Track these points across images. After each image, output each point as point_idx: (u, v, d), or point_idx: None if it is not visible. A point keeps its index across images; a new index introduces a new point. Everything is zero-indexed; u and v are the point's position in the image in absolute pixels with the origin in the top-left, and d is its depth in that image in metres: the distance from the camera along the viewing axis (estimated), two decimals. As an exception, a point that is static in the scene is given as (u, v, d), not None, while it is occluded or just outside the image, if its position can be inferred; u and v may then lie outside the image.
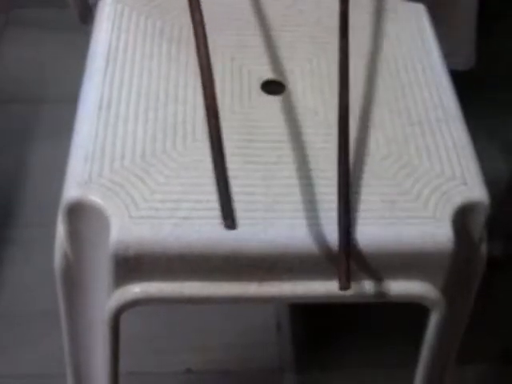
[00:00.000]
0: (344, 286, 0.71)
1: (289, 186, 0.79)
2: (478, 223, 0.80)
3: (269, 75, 0.90)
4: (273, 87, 0.89)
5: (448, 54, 0.95)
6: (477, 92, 1.58)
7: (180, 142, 0.81)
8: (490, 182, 0.83)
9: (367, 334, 1.25)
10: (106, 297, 0.78)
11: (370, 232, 0.76)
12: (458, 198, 0.79)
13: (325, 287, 0.78)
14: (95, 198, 0.76)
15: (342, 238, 0.73)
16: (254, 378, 1.20)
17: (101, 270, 0.78)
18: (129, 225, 0.74)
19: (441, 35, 0.97)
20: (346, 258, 0.72)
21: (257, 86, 0.89)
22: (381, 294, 0.78)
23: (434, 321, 0.81)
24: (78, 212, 0.77)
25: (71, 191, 0.77)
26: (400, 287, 0.78)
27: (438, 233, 0.76)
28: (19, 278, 1.30)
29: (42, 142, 1.50)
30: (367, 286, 0.78)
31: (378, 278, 0.78)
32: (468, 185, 0.80)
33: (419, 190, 0.79)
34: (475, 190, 0.80)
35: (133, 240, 0.74)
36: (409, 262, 0.77)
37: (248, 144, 0.82)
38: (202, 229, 0.74)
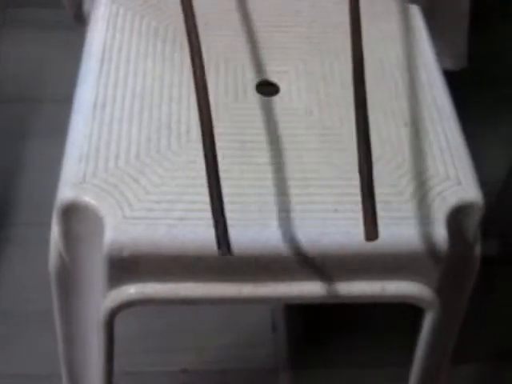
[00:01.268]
0: (371, 236, 0.68)
1: (283, 187, 0.79)
2: (472, 223, 0.80)
3: (263, 76, 0.90)
4: (267, 88, 0.89)
5: (440, 53, 0.95)
6: (474, 92, 1.59)
7: (175, 142, 0.81)
8: (485, 181, 0.83)
9: (363, 333, 1.25)
10: (101, 297, 0.78)
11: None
12: (453, 199, 0.79)
13: (320, 288, 0.78)
14: (89, 198, 0.76)
15: (365, 184, 0.71)
16: (249, 377, 1.20)
17: (95, 271, 0.78)
18: (123, 225, 0.74)
19: (434, 36, 0.97)
20: (372, 205, 0.69)
21: (251, 87, 0.89)
22: (375, 295, 0.78)
23: (428, 321, 0.82)
24: (72, 212, 0.77)
25: (65, 192, 0.77)
26: (394, 288, 0.78)
27: (432, 233, 0.76)
28: (15, 277, 1.29)
29: (38, 142, 1.50)
30: (361, 287, 0.78)
31: (372, 278, 0.78)
32: (462, 185, 0.80)
33: (413, 190, 0.79)
34: (469, 191, 0.80)
35: (127, 241, 0.74)
36: (403, 263, 0.77)
37: (242, 145, 0.82)
38: (196, 229, 0.74)
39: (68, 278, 0.81)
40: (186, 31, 0.83)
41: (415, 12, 1.00)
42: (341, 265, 0.77)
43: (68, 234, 0.79)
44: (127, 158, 0.80)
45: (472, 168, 0.82)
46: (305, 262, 0.76)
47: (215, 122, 0.83)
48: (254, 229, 0.75)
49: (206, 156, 0.73)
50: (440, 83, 0.91)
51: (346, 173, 0.80)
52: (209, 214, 0.75)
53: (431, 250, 0.76)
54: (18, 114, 1.56)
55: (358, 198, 0.78)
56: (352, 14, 0.84)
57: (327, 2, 0.95)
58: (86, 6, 1.12)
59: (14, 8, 1.78)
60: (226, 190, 0.77)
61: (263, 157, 0.81)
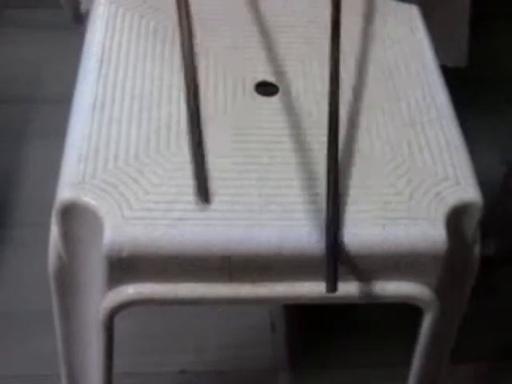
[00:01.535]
0: (331, 289, 0.72)
1: (282, 187, 0.79)
2: (472, 223, 0.80)
3: (262, 76, 0.90)
4: (266, 88, 0.89)
5: (440, 50, 0.95)
6: (473, 92, 1.59)
7: (174, 143, 0.81)
8: (484, 181, 0.83)
9: (363, 334, 1.25)
10: (100, 298, 0.78)
11: (364, 233, 0.76)
12: (452, 199, 0.79)
13: (318, 288, 0.78)
14: (88, 198, 0.76)
15: (330, 240, 0.74)
16: (248, 378, 1.20)
17: (94, 271, 0.78)
18: (122, 225, 0.74)
19: (433, 35, 0.97)
20: (334, 260, 0.73)
21: (250, 87, 0.89)
22: (374, 295, 0.78)
23: (427, 321, 0.81)
24: (71, 213, 0.77)
25: (64, 192, 0.77)
26: (393, 288, 0.78)
27: (431, 233, 0.76)
28: (14, 277, 1.29)
29: (37, 142, 1.50)
30: (360, 287, 0.78)
31: (370, 278, 0.78)
32: (461, 185, 0.80)
33: (412, 190, 0.79)
34: (468, 191, 0.80)
35: (126, 241, 0.74)
36: (402, 263, 0.77)
37: (241, 145, 0.82)
38: (195, 230, 0.74)
39: (67, 278, 0.81)
40: (179, 32, 0.83)
41: (414, 12, 1.00)
42: (340, 265, 0.77)
43: (67, 235, 0.78)
44: (126, 158, 0.79)
45: (471, 168, 0.82)
46: (303, 262, 0.76)
47: (214, 122, 0.84)
48: (254, 229, 0.75)
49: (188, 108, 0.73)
50: (439, 83, 0.91)
51: (346, 173, 0.80)
52: (207, 214, 0.75)
53: (430, 250, 0.76)
54: (16, 114, 1.56)
55: (358, 198, 0.78)
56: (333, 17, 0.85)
57: (325, 2, 0.95)
58: (83, 6, 1.12)
59: (12, 8, 1.78)
60: (225, 190, 0.77)
61: (262, 157, 0.81)
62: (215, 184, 0.78)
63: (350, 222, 0.76)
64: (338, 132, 0.80)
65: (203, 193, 0.69)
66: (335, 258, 0.73)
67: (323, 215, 0.76)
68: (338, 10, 0.86)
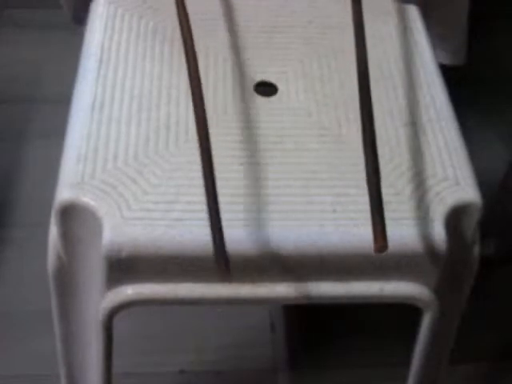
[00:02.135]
0: (381, 247, 0.68)
1: (281, 188, 0.79)
2: (471, 224, 0.80)
3: (262, 77, 0.90)
4: (266, 89, 0.89)
5: (439, 49, 0.95)
6: (473, 92, 1.59)
7: (173, 143, 0.81)
8: (483, 181, 0.83)
9: (362, 334, 1.25)
10: (99, 298, 0.78)
11: (363, 233, 0.76)
12: (451, 199, 0.79)
13: (317, 288, 0.78)
14: (88, 199, 0.76)
15: (374, 195, 0.71)
16: (247, 378, 1.20)
17: (94, 271, 0.78)
18: (121, 226, 0.74)
19: (433, 35, 0.97)
20: (380, 216, 0.70)
21: (250, 87, 0.89)
22: (373, 295, 0.78)
23: (426, 321, 0.82)
24: (70, 213, 0.77)
25: (63, 192, 0.77)
26: (392, 288, 0.78)
27: (430, 234, 0.76)
28: (14, 278, 1.29)
29: (36, 142, 1.50)
30: (360, 287, 0.78)
31: (370, 278, 0.78)
32: (460, 185, 0.80)
33: (412, 190, 0.79)
34: (468, 191, 0.80)
35: (125, 241, 0.74)
36: (401, 263, 0.77)
37: (241, 145, 0.82)
38: (194, 230, 0.74)
39: (66, 279, 0.81)
40: (180, 33, 0.83)
41: (413, 12, 1.00)
42: (339, 265, 0.77)
43: (66, 235, 0.79)
44: (125, 158, 0.79)
45: (470, 168, 0.82)
46: (303, 263, 0.76)
47: (214, 122, 0.84)
48: (253, 229, 0.75)
49: (204, 174, 0.73)
50: (438, 83, 0.91)
51: (345, 173, 0.80)
52: (207, 215, 0.75)
53: (430, 250, 0.76)
54: (16, 114, 1.56)
55: (357, 199, 0.78)
56: (355, 18, 0.84)
57: (325, 2, 0.95)
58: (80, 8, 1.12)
59: (12, 8, 1.78)
60: (224, 190, 0.77)
61: (262, 157, 0.81)
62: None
63: (348, 221, 0.76)
64: (375, 138, 0.76)
65: (225, 271, 0.68)
66: (381, 212, 0.69)
67: (323, 215, 0.77)
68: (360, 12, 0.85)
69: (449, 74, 0.95)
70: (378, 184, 0.72)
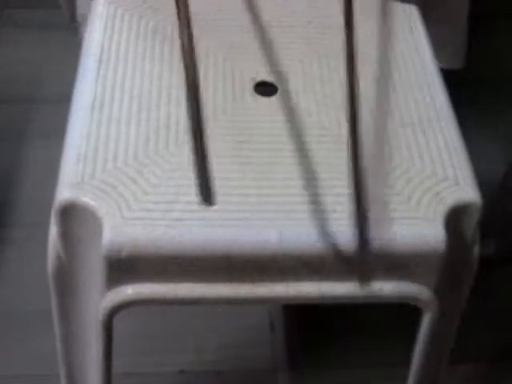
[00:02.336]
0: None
1: (281, 188, 0.79)
2: (471, 224, 0.80)
3: (262, 76, 0.90)
4: (266, 88, 0.89)
5: (439, 53, 0.95)
6: (472, 92, 1.59)
7: (173, 143, 0.81)
8: (483, 181, 0.83)
9: (362, 334, 1.25)
10: (99, 298, 0.78)
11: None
12: (451, 199, 0.79)
13: (317, 288, 0.78)
14: (88, 199, 0.76)
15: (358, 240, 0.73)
16: (247, 378, 1.20)
17: (94, 271, 0.78)
18: (121, 226, 0.74)
19: (432, 35, 0.97)
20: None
21: (249, 87, 0.89)
22: (373, 295, 0.78)
23: (426, 321, 0.81)
24: (70, 213, 0.77)
25: (63, 192, 0.77)
26: (392, 288, 0.78)
27: (430, 234, 0.76)
28: (13, 278, 1.29)
29: (36, 142, 1.50)
30: (359, 287, 0.78)
31: (369, 278, 0.78)
32: (460, 185, 0.80)
33: (411, 190, 0.79)
34: (468, 191, 0.80)
35: (125, 241, 0.74)
36: (401, 263, 0.77)
37: (241, 145, 0.82)
38: (194, 230, 0.74)
39: (66, 279, 0.81)
40: (178, 32, 0.82)
41: (413, 12, 1.00)
42: (338, 265, 0.77)
43: (66, 235, 0.79)
44: (125, 158, 0.79)
45: (470, 168, 0.82)
46: (303, 262, 0.76)
47: (214, 122, 0.84)
48: (253, 229, 0.75)
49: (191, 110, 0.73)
50: (438, 83, 0.91)
51: (345, 173, 0.80)
52: (206, 214, 0.75)
53: (429, 250, 0.76)
54: (16, 114, 1.56)
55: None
56: (346, 16, 0.84)
57: (325, 2, 0.95)
58: (80, 12, 1.12)
59: (12, 8, 1.78)
60: (224, 189, 0.77)
61: (261, 157, 0.81)
62: (214, 184, 0.78)
63: (348, 221, 0.76)
64: (357, 131, 0.77)
65: (206, 194, 0.69)
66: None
67: (323, 215, 0.77)
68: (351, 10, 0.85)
69: (449, 74, 0.95)
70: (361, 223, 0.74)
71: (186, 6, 0.83)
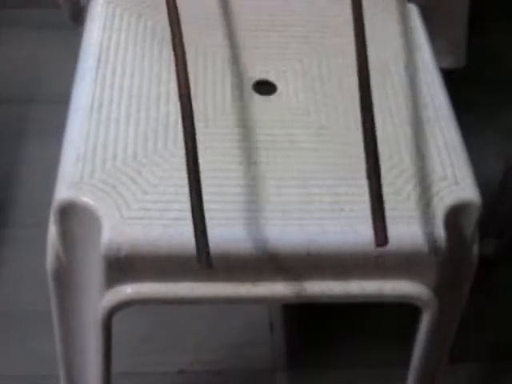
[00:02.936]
0: (381, 242, 0.69)
1: (280, 187, 0.79)
2: (470, 223, 0.80)
3: (260, 75, 0.90)
4: (264, 88, 0.89)
5: (439, 52, 0.95)
6: (472, 92, 1.59)
7: (171, 143, 0.81)
8: (482, 181, 0.83)
9: (362, 334, 1.25)
10: (99, 297, 0.78)
11: (361, 232, 0.76)
12: (450, 198, 0.79)
13: (317, 287, 0.78)
14: (87, 198, 0.76)
15: (373, 192, 0.71)
16: (246, 378, 1.20)
17: (93, 271, 0.78)
18: (120, 225, 0.74)
19: (432, 34, 0.97)
20: (381, 211, 0.70)
21: (248, 86, 0.89)
22: (372, 294, 0.78)
23: (425, 321, 0.81)
24: (69, 213, 0.77)
25: (62, 192, 0.77)
26: (392, 287, 0.78)
27: (429, 233, 0.76)
28: (12, 278, 1.29)
29: (35, 142, 1.50)
30: (359, 286, 0.78)
31: (369, 277, 0.78)
32: (460, 185, 0.80)
33: (411, 190, 0.79)
34: (467, 190, 0.80)
35: (124, 240, 0.74)
36: (400, 262, 0.77)
37: (239, 144, 0.82)
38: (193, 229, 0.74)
39: (65, 278, 0.81)
40: (170, 29, 0.82)
41: (413, 11, 1.00)
42: (338, 264, 0.77)
43: (65, 234, 0.79)
44: (124, 158, 0.79)
45: (470, 167, 0.82)
46: (302, 262, 0.76)
47: (213, 121, 0.84)
48: (252, 228, 0.75)
49: (188, 168, 0.73)
50: (438, 82, 0.91)
51: (344, 172, 0.80)
52: (206, 214, 0.75)
53: (429, 249, 0.76)
54: (14, 114, 1.56)
55: (356, 198, 0.78)
56: (355, 15, 0.84)
57: (324, 1, 0.95)
58: (83, 1, 1.12)
59: (11, 8, 1.78)
60: (223, 189, 0.77)
61: (261, 156, 0.81)
62: (214, 183, 0.78)
63: (347, 220, 0.76)
64: (376, 140, 0.76)
65: (205, 259, 0.69)
66: (382, 208, 0.70)
67: (323, 214, 0.77)
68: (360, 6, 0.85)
69: (449, 74, 0.95)
70: (378, 179, 0.72)
71: (176, 8, 0.83)
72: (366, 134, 0.75)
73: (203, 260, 0.68)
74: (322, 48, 0.93)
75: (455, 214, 0.79)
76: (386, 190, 0.79)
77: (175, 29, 0.82)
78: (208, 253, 0.68)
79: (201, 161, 0.79)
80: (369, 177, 0.72)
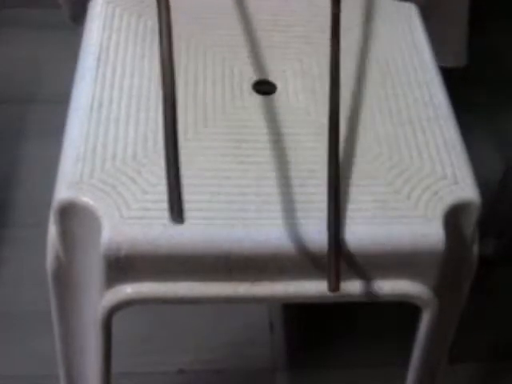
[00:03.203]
0: (333, 288, 0.71)
1: (280, 187, 0.79)
2: (470, 223, 0.80)
3: (260, 75, 0.90)
4: (264, 87, 0.89)
5: (439, 52, 0.95)
6: (472, 91, 1.59)
7: (171, 143, 0.81)
8: (482, 180, 0.83)
9: (362, 333, 1.25)
10: (98, 297, 0.78)
11: (362, 232, 0.76)
12: (450, 198, 0.79)
13: (317, 287, 0.78)
14: (86, 198, 0.76)
15: (332, 239, 0.73)
16: (246, 377, 1.20)
17: (93, 271, 0.78)
18: (120, 225, 0.74)
19: (432, 34, 0.97)
20: (336, 259, 0.72)
21: (248, 86, 0.89)
22: (372, 294, 0.78)
23: (425, 320, 0.81)
24: (69, 213, 0.77)
25: (62, 192, 0.77)
26: (391, 287, 0.78)
27: (429, 232, 0.76)
28: (12, 278, 1.29)
29: (34, 142, 1.50)
30: (358, 286, 0.78)
31: (369, 277, 0.78)
32: (459, 184, 0.80)
33: (410, 189, 0.79)
34: (466, 190, 0.80)
35: (124, 240, 0.74)
36: (400, 262, 0.77)
37: (239, 144, 0.82)
38: (192, 229, 0.74)
39: (65, 278, 0.81)
40: (158, 26, 0.82)
41: (412, 10, 1.00)
42: (338, 264, 0.77)
43: (65, 234, 0.78)
44: (124, 158, 0.79)
45: (469, 167, 0.82)
46: (302, 262, 0.76)
47: (212, 121, 0.84)
48: (252, 228, 0.75)
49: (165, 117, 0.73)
50: (437, 82, 0.91)
51: (343, 172, 0.80)
52: (205, 214, 0.75)
53: (428, 249, 0.76)
54: (14, 114, 1.56)
55: (355, 198, 0.78)
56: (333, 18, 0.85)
57: (324, 1, 0.95)
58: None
59: (9, 8, 1.78)
60: (223, 189, 0.77)
61: (260, 156, 0.81)
62: (214, 183, 0.78)
63: (348, 220, 0.76)
64: (338, 130, 0.79)
65: (177, 212, 0.68)
66: (337, 257, 0.73)
67: (322, 214, 0.76)
68: (338, 4, 0.86)
69: (449, 74, 0.95)
70: (336, 222, 0.75)
71: (168, 9, 0.83)
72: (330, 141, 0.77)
73: (175, 213, 0.67)
74: (322, 48, 0.93)
75: (455, 214, 0.79)
76: (386, 189, 0.79)
77: (163, 21, 0.82)
78: (181, 206, 0.67)
79: (201, 161, 0.79)
80: (328, 220, 0.75)
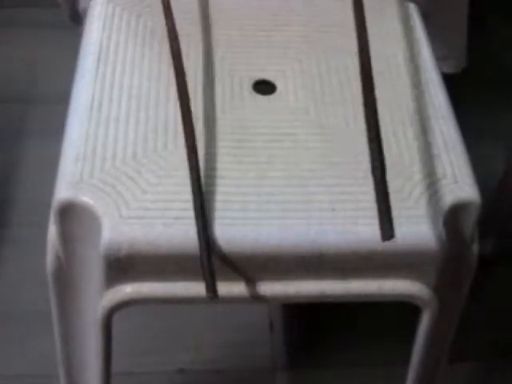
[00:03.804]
0: (387, 236, 0.68)
1: (280, 186, 0.79)
2: (470, 222, 0.80)
3: (260, 75, 0.90)
4: (264, 87, 0.89)
5: (439, 57, 0.95)
6: (472, 91, 1.59)
7: (171, 142, 0.81)
8: (482, 180, 0.83)
9: (362, 333, 1.25)
10: (98, 297, 0.78)
11: (361, 231, 0.76)
12: (449, 198, 0.79)
13: (317, 287, 0.78)
14: (86, 198, 0.76)
15: (379, 184, 0.71)
16: (246, 377, 1.20)
17: (93, 271, 0.78)
18: (120, 225, 0.74)
19: (433, 37, 0.97)
20: (386, 205, 0.69)
21: (248, 85, 0.89)
22: (372, 293, 0.78)
23: (425, 320, 0.81)
24: (69, 212, 0.77)
25: (62, 192, 0.77)
26: (391, 286, 0.78)
27: (429, 232, 0.76)
28: (12, 278, 1.29)
29: (34, 142, 1.50)
30: (358, 285, 0.78)
31: (369, 277, 0.78)
32: (459, 184, 0.80)
33: (410, 189, 0.79)
34: (466, 189, 0.80)
35: (124, 240, 0.74)
36: (400, 261, 0.77)
37: (240, 144, 0.82)
38: (192, 228, 0.74)
39: (65, 278, 0.81)
40: (167, 31, 0.82)
41: (413, 11, 1.00)
42: (338, 264, 0.77)
43: (65, 234, 0.79)
44: (124, 157, 0.79)
45: (469, 167, 0.82)
46: (302, 261, 0.76)
47: (212, 121, 0.84)
48: (252, 228, 0.75)
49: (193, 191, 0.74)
50: (438, 82, 0.91)
51: (343, 171, 0.80)
52: (207, 213, 0.75)
53: (428, 248, 0.76)
54: (14, 114, 1.56)
55: (356, 197, 0.78)
56: (357, 16, 0.84)
57: (324, 1, 0.95)
58: (81, 6, 1.12)
59: (8, 8, 1.78)
60: (223, 188, 0.77)
61: (260, 156, 0.81)
62: (213, 182, 0.78)
63: (347, 220, 0.76)
64: (379, 131, 0.77)
65: (213, 288, 0.70)
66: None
67: (322, 214, 0.77)
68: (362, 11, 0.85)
69: (448, 74, 0.95)
70: (383, 173, 0.72)
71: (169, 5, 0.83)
72: (369, 125, 0.75)
73: (210, 289, 0.69)
74: (322, 47, 0.93)
75: (455, 213, 0.79)
76: (386, 189, 0.79)
77: (169, 24, 0.82)
78: (214, 283, 0.69)
79: (201, 161, 0.79)
80: (373, 171, 0.72)
